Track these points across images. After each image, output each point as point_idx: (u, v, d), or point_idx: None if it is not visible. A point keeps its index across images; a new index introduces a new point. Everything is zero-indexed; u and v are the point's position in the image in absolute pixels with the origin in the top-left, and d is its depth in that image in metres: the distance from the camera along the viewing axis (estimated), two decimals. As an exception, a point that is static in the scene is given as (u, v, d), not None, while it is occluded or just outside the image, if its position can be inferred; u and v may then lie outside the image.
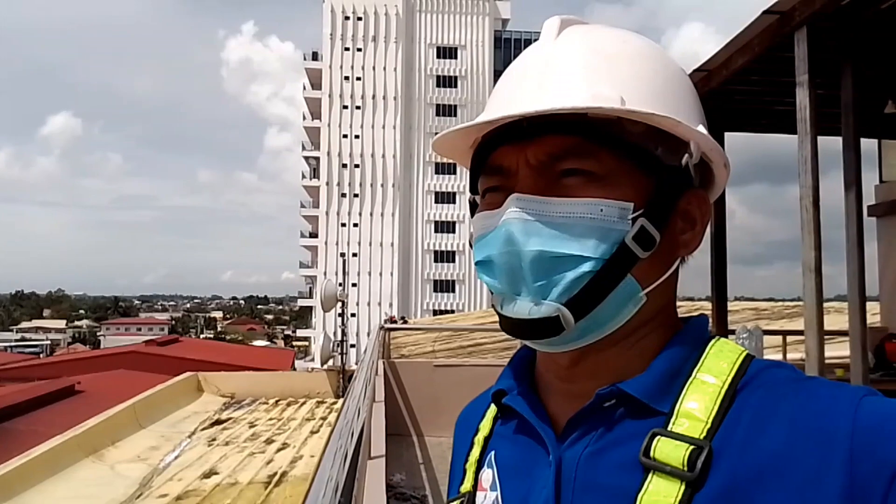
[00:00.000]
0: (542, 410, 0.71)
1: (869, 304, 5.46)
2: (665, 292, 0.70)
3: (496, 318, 0.71)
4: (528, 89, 0.68)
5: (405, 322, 29.95)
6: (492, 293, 0.70)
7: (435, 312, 62.52)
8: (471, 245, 0.74)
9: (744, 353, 0.66)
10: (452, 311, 59.58)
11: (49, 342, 78.76)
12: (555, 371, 0.71)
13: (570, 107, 0.64)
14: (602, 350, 0.68)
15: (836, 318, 8.92)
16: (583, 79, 0.67)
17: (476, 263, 0.71)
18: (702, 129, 0.69)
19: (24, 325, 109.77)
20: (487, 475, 0.74)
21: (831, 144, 6.09)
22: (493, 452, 0.75)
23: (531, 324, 0.66)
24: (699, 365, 0.66)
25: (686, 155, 0.68)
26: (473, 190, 0.74)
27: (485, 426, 0.79)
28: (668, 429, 0.62)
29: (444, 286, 67.48)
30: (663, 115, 0.66)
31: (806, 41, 4.95)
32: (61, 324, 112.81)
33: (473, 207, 0.74)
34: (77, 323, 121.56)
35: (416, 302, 66.29)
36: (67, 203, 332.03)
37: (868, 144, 8.49)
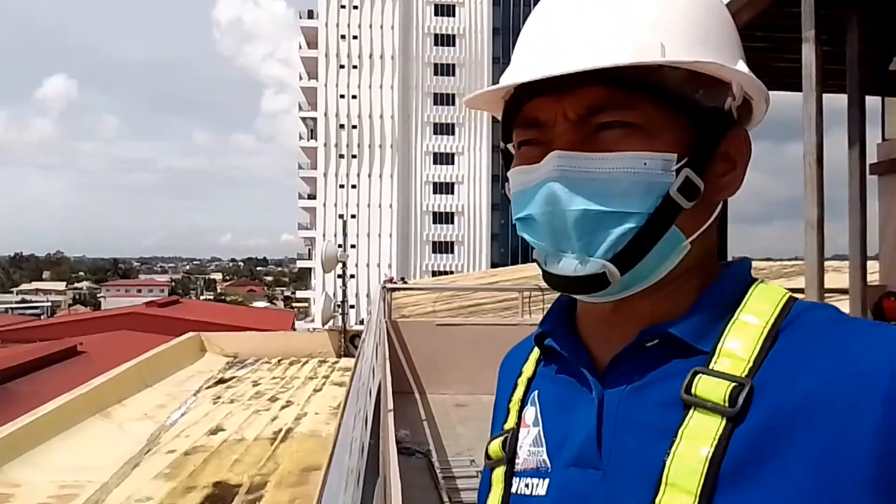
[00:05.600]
0: (584, 352, 0.72)
1: (868, 263, 5.49)
2: (708, 237, 0.69)
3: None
4: (563, 40, 0.65)
5: (405, 283, 29.99)
6: (532, 248, 0.70)
7: (434, 273, 62.67)
8: (507, 198, 0.73)
9: (786, 296, 0.66)
10: (451, 272, 59.70)
11: (50, 304, 78.90)
12: (596, 316, 0.72)
13: (614, 63, 0.61)
14: (645, 297, 0.68)
15: (834, 277, 8.95)
16: (620, 25, 0.64)
17: (516, 220, 0.70)
18: (742, 65, 0.67)
19: (24, 286, 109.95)
20: (530, 412, 0.76)
21: (833, 102, 6.06)
22: (536, 392, 0.77)
23: (577, 280, 0.66)
24: (741, 306, 0.66)
25: (729, 98, 0.66)
26: (506, 138, 0.72)
27: (528, 368, 0.80)
28: (710, 367, 0.62)
29: (443, 247, 67.60)
30: (707, 62, 0.64)
31: (812, -4, 4.89)
32: (61, 286, 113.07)
33: (506, 156, 0.73)
34: (77, 285, 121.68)
35: (416, 263, 66.45)
36: (65, 166, 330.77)
37: (871, 103, 8.44)
